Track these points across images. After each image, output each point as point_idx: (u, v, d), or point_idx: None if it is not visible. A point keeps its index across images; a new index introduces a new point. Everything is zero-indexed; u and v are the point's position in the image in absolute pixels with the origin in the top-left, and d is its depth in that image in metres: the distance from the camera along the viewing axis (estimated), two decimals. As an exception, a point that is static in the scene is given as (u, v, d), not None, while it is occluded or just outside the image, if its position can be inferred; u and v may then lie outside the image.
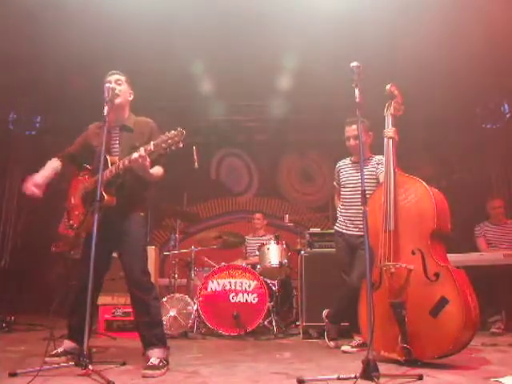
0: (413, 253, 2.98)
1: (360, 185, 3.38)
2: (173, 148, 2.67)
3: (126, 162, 2.80)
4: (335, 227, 3.96)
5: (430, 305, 2.84)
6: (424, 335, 2.81)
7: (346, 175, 3.92)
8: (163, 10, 4.79)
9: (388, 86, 3.35)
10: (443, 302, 2.80)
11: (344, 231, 3.84)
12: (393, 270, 2.99)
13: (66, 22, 4.86)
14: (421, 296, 2.88)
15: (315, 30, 4.98)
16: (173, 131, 2.67)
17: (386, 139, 3.31)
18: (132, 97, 3.18)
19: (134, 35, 4.93)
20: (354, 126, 3.60)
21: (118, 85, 3.05)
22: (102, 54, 5.08)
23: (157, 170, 2.98)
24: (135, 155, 2.75)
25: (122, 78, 3.12)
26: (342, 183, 3.93)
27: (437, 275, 2.86)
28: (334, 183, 4.09)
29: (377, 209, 3.17)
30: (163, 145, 2.67)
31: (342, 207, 3.93)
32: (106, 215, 2.76)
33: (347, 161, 3.98)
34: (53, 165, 3.14)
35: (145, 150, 2.72)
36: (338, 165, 4.03)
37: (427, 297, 2.86)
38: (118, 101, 3.01)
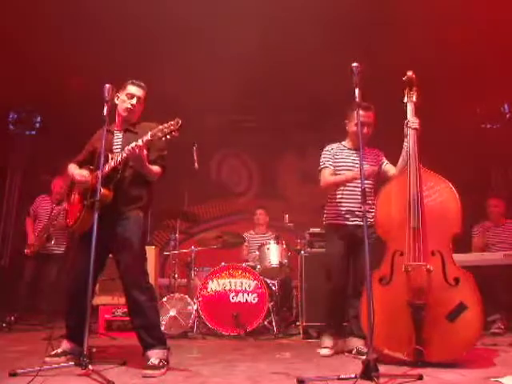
0: (432, 254, 2.92)
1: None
2: (168, 137, 2.68)
3: (124, 154, 2.82)
4: (329, 221, 3.61)
5: (447, 309, 2.81)
6: (439, 339, 2.77)
7: (343, 161, 3.58)
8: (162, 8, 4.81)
9: (409, 73, 3.26)
10: (462, 307, 2.78)
11: (347, 223, 3.50)
12: (410, 268, 2.90)
13: (66, 20, 4.87)
14: (439, 299, 2.83)
15: (317, 30, 4.99)
16: (170, 121, 2.69)
17: (409, 130, 3.19)
18: (144, 107, 3.19)
19: (133, 37, 4.94)
20: (371, 113, 3.48)
21: (139, 104, 3.08)
22: (103, 53, 5.09)
23: (155, 168, 2.98)
24: (132, 144, 2.78)
25: (143, 93, 3.11)
26: (338, 168, 3.57)
27: (456, 280, 2.84)
28: (327, 165, 3.60)
29: (392, 201, 3.08)
30: (159, 134, 2.69)
31: (339, 198, 3.56)
32: (104, 214, 2.73)
33: (341, 146, 3.67)
34: (75, 166, 3.18)
35: (142, 141, 2.75)
36: (331, 148, 3.65)
37: (445, 301, 2.82)
38: (131, 116, 3.08)
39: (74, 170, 3.12)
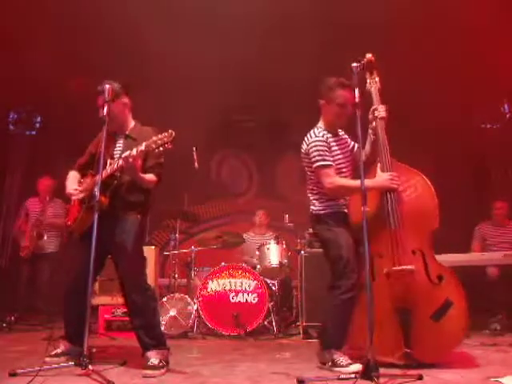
0: (413, 253, 2.80)
1: (345, 163, 2.99)
2: (161, 148, 2.72)
3: (120, 163, 2.83)
4: (336, 209, 2.99)
5: (432, 308, 2.74)
6: (427, 339, 2.71)
7: (337, 152, 3.04)
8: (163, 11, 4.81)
9: (369, 55, 2.88)
10: (447, 304, 2.72)
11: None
12: (392, 273, 2.77)
13: (66, 20, 4.87)
14: (424, 300, 2.74)
15: (317, 30, 4.99)
16: (164, 133, 2.72)
17: (377, 120, 2.88)
18: (129, 104, 3.12)
19: (133, 37, 4.94)
20: (356, 91, 2.75)
21: (106, 110, 2.89)
22: (102, 54, 5.08)
23: (150, 176, 2.96)
24: (125, 154, 2.79)
25: (104, 98, 2.90)
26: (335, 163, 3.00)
27: (440, 278, 2.76)
28: (329, 160, 2.92)
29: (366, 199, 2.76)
30: (153, 145, 2.72)
31: None
32: (102, 217, 2.74)
33: (325, 131, 3.03)
34: (75, 175, 3.21)
35: (136, 151, 2.76)
36: (324, 135, 2.98)
37: (431, 301, 2.74)
38: (115, 124, 3.00)
39: (68, 183, 3.15)
